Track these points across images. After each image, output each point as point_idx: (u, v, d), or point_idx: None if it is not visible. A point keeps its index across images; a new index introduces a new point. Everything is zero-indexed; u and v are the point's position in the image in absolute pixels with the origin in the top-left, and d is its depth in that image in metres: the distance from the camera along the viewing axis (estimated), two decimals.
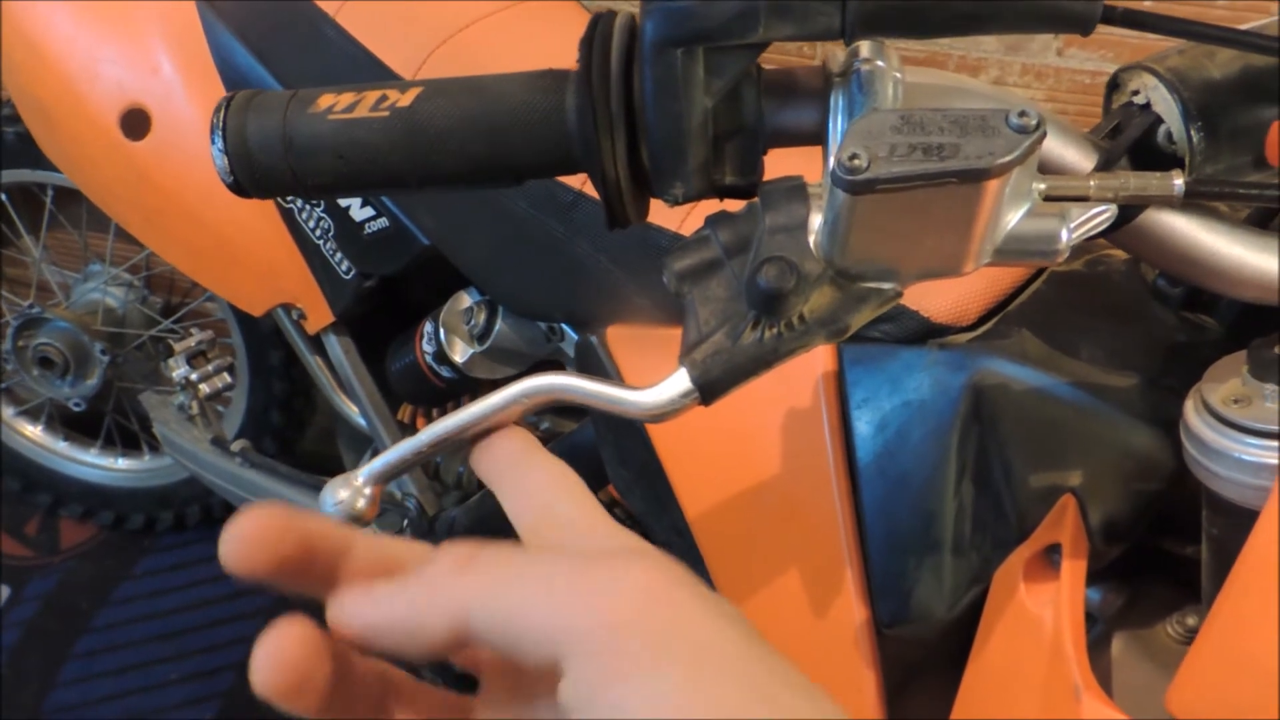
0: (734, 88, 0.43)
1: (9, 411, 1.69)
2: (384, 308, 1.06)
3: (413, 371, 0.99)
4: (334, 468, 1.41)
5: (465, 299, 0.94)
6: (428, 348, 0.96)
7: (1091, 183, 0.43)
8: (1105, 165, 0.48)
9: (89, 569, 1.67)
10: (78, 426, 1.71)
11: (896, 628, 0.67)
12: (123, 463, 1.69)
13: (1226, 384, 0.50)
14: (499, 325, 0.91)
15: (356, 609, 0.32)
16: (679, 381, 0.43)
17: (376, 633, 0.32)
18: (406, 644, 0.31)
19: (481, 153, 0.45)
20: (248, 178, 0.45)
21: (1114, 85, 0.51)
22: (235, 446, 1.32)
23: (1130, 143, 0.48)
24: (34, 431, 1.70)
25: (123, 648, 1.57)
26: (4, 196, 1.53)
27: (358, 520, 0.42)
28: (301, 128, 0.44)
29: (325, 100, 0.45)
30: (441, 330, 0.95)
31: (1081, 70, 1.29)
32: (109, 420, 1.69)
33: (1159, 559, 0.65)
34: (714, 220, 0.44)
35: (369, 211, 0.94)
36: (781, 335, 0.42)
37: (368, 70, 0.89)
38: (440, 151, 0.45)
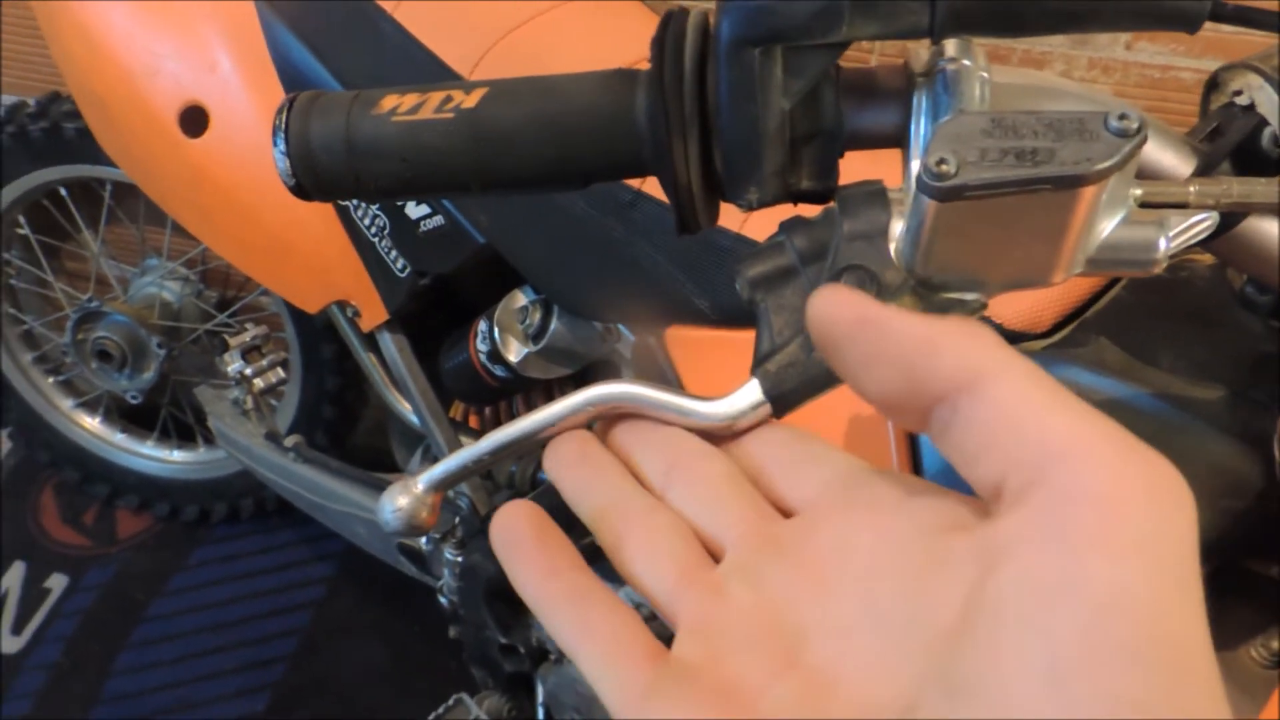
0: (813, 89, 0.41)
1: (68, 403, 1.72)
2: (438, 305, 1.05)
3: (466, 370, 0.98)
4: (385, 461, 1.41)
5: (520, 298, 0.94)
6: (482, 346, 0.95)
7: (1191, 189, 0.41)
8: (1205, 170, 0.46)
9: (145, 559, 1.70)
10: (135, 419, 1.74)
11: None
12: (178, 455, 1.71)
13: None
14: (554, 325, 0.90)
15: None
16: (750, 393, 0.41)
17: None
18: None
19: (548, 155, 0.43)
20: (310, 180, 0.44)
21: (1213, 85, 0.48)
22: (288, 442, 1.32)
23: (1232, 146, 0.46)
24: (92, 423, 1.73)
25: (177, 638, 1.59)
26: (64, 191, 1.55)
27: (418, 529, 0.41)
28: (365, 130, 0.43)
29: (389, 101, 0.44)
30: (496, 329, 0.94)
31: (1151, 64, 1.25)
32: (165, 413, 1.71)
33: (1243, 579, 0.62)
34: (789, 226, 0.42)
35: (424, 209, 0.93)
36: None
37: (425, 67, 0.89)
38: (506, 154, 0.43)
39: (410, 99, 0.44)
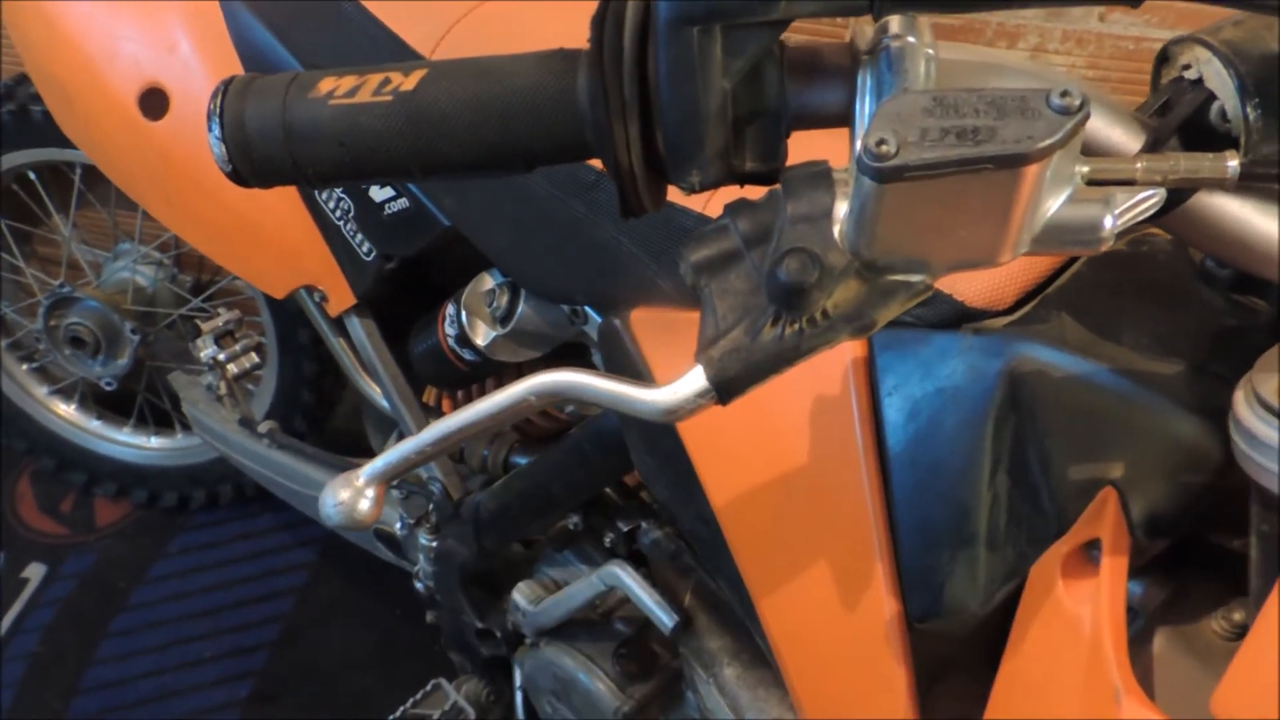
0: (754, 68, 0.40)
1: (42, 390, 1.71)
2: (407, 289, 1.04)
3: (435, 354, 0.97)
4: (364, 445, 1.41)
5: (487, 280, 0.93)
6: (450, 330, 0.95)
7: (1138, 165, 0.40)
8: (1153, 145, 0.45)
9: (124, 547, 1.69)
10: (110, 405, 1.72)
11: (928, 622, 0.65)
12: (155, 441, 1.70)
13: (1278, 374, 0.48)
14: (521, 307, 0.89)
15: None
16: (695, 380, 0.40)
17: None
18: None
19: (488, 138, 0.42)
20: (246, 166, 0.44)
21: (1163, 59, 0.48)
22: (262, 427, 1.31)
23: (1180, 121, 0.45)
24: (67, 410, 1.71)
25: (158, 625, 1.58)
26: (34, 175, 1.53)
27: (360, 524, 0.41)
28: (301, 114, 0.43)
29: (326, 84, 0.43)
30: (463, 312, 0.93)
31: (1125, 36, 1.24)
32: (141, 399, 1.70)
33: (1204, 552, 0.62)
34: (733, 209, 0.42)
35: (389, 192, 0.92)
36: (803, 331, 0.39)
37: (385, 47, 0.87)
38: (445, 137, 0.43)
39: (348, 82, 0.43)
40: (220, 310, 1.38)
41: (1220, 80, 0.45)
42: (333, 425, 1.58)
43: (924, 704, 0.67)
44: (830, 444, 0.68)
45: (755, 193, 0.44)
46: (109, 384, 1.61)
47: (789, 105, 0.42)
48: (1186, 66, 0.46)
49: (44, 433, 1.71)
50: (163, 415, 1.71)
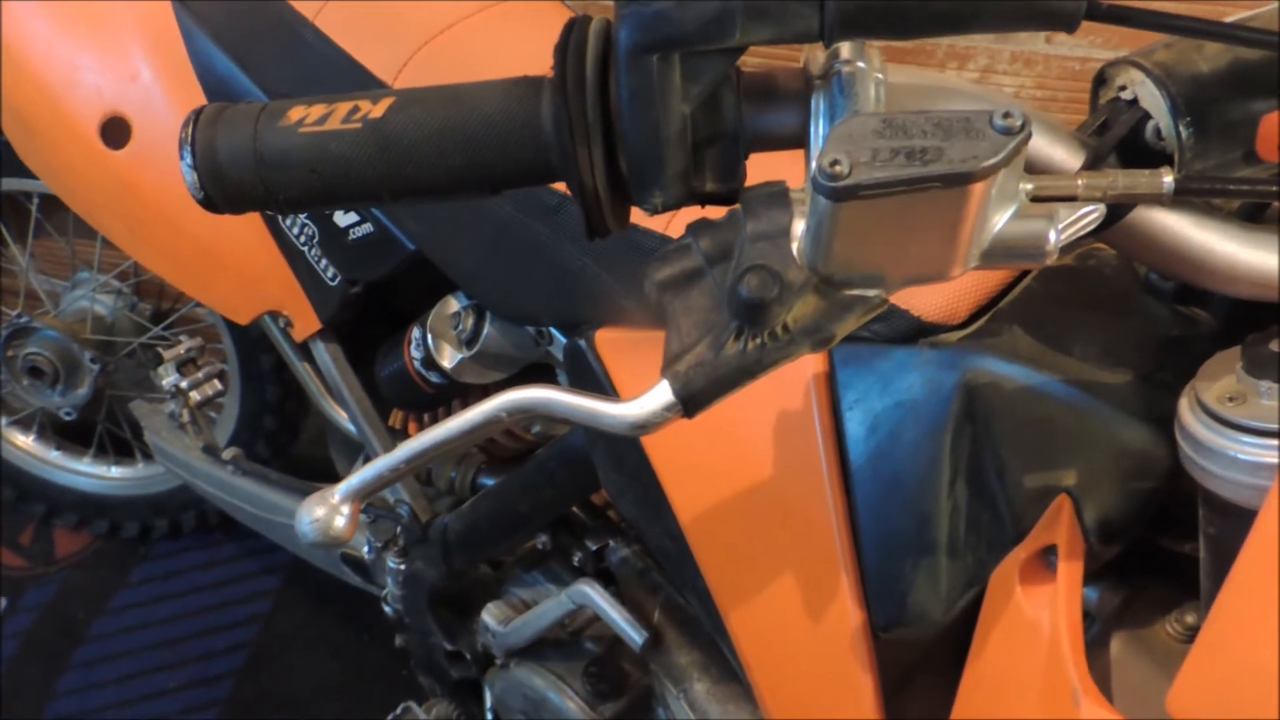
0: (712, 93, 0.42)
1: (0, 422, 1.68)
2: (372, 313, 1.05)
3: (401, 378, 0.98)
4: (328, 471, 1.40)
5: (453, 303, 0.94)
6: (416, 353, 0.95)
7: (1079, 182, 0.42)
8: (1093, 163, 0.47)
9: (85, 578, 1.67)
10: (70, 435, 1.70)
11: (893, 631, 0.66)
12: (116, 471, 1.69)
13: (1221, 381, 0.50)
14: (487, 330, 0.90)
15: None
16: (661, 394, 0.42)
17: None
18: None
19: (456, 163, 0.44)
20: (219, 193, 0.44)
21: (1100, 80, 0.50)
22: (226, 454, 1.31)
23: (1118, 140, 0.47)
24: (26, 441, 1.69)
25: (120, 657, 1.56)
26: None
27: (335, 540, 0.41)
28: (272, 141, 0.44)
29: (296, 112, 0.44)
30: (429, 336, 0.94)
31: (1071, 56, 1.28)
32: (101, 429, 1.68)
33: (1156, 556, 0.64)
34: (695, 228, 0.43)
35: (353, 217, 0.93)
36: (765, 346, 0.41)
37: (347, 74, 0.88)
38: (414, 162, 0.44)
39: (317, 110, 0.44)
40: (182, 338, 1.37)
41: (1154, 100, 0.47)
42: (297, 451, 1.58)
43: (890, 710, 0.68)
44: (794, 458, 0.69)
45: (716, 213, 0.45)
46: (68, 414, 1.59)
47: (746, 128, 0.43)
48: (1122, 88, 0.48)
49: (2, 464, 1.68)
50: (123, 444, 1.69)
